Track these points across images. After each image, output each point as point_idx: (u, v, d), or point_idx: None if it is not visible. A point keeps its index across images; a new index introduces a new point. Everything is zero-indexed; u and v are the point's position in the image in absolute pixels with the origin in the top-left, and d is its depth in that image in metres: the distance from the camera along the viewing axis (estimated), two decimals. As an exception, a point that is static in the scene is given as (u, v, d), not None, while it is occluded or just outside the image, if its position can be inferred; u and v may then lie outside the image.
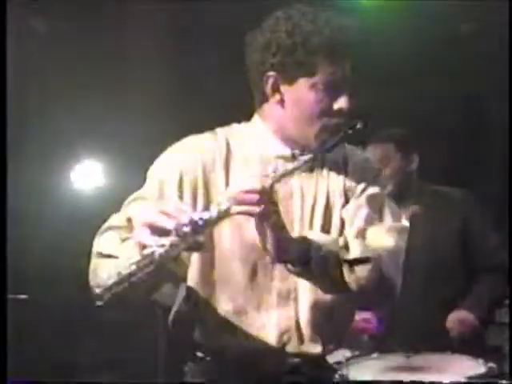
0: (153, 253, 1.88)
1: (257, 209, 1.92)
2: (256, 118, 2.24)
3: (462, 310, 3.64)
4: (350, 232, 2.13)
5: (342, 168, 2.22)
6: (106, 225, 2.16)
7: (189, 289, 2.20)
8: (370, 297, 2.15)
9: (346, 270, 2.06)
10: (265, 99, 2.18)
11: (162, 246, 1.87)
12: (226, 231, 2.15)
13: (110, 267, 1.98)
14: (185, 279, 2.20)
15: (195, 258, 2.17)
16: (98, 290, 1.91)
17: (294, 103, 2.13)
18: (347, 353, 3.41)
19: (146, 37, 5.32)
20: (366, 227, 2.14)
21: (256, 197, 1.92)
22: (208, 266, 2.17)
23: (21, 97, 4.71)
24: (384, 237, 2.13)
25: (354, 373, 3.14)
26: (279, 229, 2.00)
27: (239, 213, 1.94)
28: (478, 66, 5.09)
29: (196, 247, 1.93)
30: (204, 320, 2.20)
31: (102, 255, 2.09)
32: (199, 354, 2.23)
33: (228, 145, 2.20)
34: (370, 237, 2.12)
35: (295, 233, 2.13)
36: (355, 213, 2.15)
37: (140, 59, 5.32)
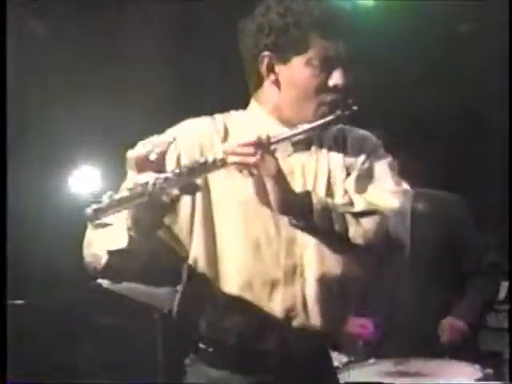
0: (147, 183, 1.89)
1: (252, 159, 1.95)
2: (252, 102, 2.26)
3: (452, 316, 3.64)
4: (355, 195, 2.15)
5: (341, 144, 2.24)
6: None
7: (191, 268, 2.20)
8: (379, 252, 2.12)
9: (351, 224, 2.05)
10: (260, 83, 2.21)
11: (157, 179, 1.90)
12: (228, 207, 2.16)
13: (106, 234, 2.00)
14: (186, 259, 2.21)
15: (197, 236, 2.17)
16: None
17: (289, 82, 2.15)
18: (344, 358, 3.42)
19: (146, 37, 5.32)
20: (370, 191, 2.15)
21: (252, 148, 1.95)
22: (210, 244, 2.17)
23: (21, 97, 4.71)
24: (389, 197, 2.14)
25: (352, 378, 3.16)
26: (280, 179, 2.01)
27: (235, 163, 1.96)
28: (477, 66, 5.09)
29: (191, 189, 1.96)
30: (209, 300, 2.19)
31: (97, 225, 2.07)
32: (201, 346, 2.23)
33: (226, 128, 2.22)
34: (374, 197, 2.13)
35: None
36: (357, 181, 2.17)
37: (140, 59, 5.32)
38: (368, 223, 2.06)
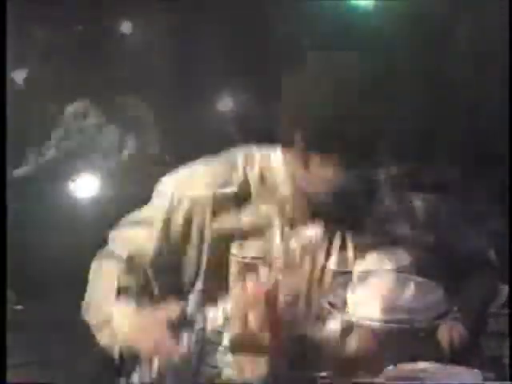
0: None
1: (254, 320, 1.95)
2: (280, 155, 2.07)
3: (451, 320, 3.64)
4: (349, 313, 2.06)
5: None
6: (106, 249, 2.12)
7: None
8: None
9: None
10: (291, 148, 1.99)
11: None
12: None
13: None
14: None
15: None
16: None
17: (318, 176, 1.98)
18: None
19: (146, 37, 5.34)
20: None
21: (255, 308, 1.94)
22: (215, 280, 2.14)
23: (21, 97, 4.72)
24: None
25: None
26: (279, 335, 2.01)
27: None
28: (477, 66, 5.10)
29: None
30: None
31: (95, 300, 2.09)
32: None
33: (246, 178, 2.07)
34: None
35: (302, 293, 2.10)
36: (358, 295, 2.07)
37: (140, 60, 5.34)
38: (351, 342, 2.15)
